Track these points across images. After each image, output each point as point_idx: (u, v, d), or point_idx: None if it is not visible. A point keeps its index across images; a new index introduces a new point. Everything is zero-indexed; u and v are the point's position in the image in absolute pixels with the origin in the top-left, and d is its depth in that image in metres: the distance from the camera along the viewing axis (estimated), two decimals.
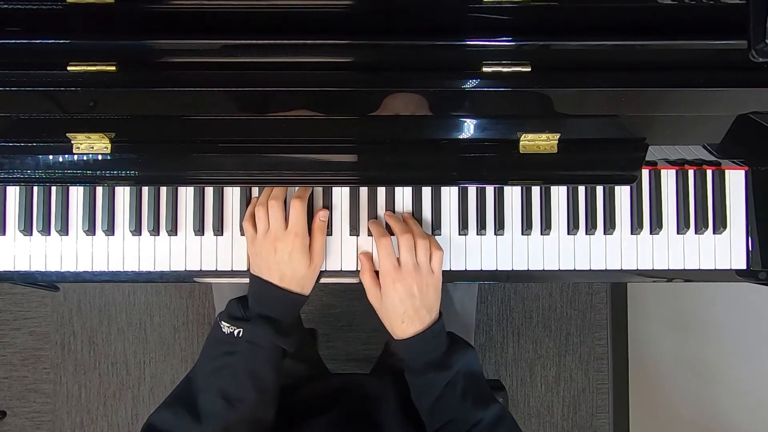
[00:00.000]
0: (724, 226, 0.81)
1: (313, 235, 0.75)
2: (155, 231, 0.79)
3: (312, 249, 0.74)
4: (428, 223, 0.81)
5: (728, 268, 0.81)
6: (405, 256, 0.73)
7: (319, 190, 0.80)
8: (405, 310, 0.72)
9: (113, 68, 0.64)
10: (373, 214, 0.80)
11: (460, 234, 0.80)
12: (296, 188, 0.78)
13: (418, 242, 0.73)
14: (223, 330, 0.70)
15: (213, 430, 0.65)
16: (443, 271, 0.78)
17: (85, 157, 0.72)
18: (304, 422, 0.75)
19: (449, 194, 0.81)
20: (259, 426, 0.69)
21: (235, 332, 0.69)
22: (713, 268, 0.81)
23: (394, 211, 0.80)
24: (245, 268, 0.79)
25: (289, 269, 0.72)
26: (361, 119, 0.71)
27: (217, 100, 0.68)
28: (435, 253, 0.74)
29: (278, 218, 0.73)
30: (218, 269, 0.80)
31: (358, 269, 0.79)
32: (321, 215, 0.77)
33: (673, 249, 0.81)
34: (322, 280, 0.80)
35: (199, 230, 0.79)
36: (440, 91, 0.67)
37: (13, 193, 0.79)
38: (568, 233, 0.81)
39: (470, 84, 0.66)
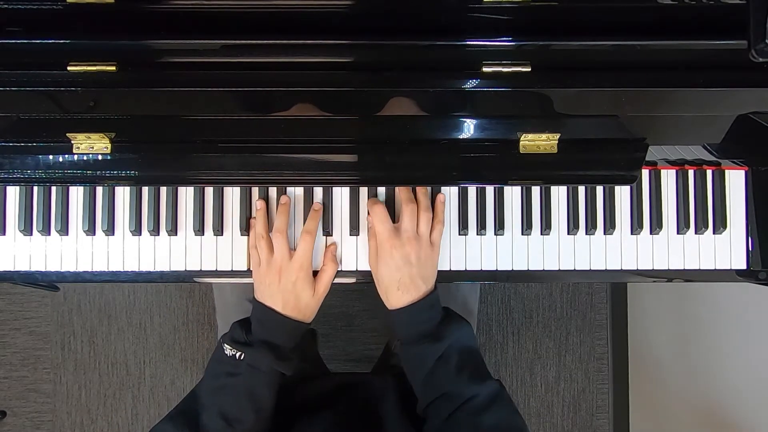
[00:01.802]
0: (724, 226, 0.81)
1: (325, 264, 0.77)
2: (155, 231, 0.79)
3: (320, 279, 0.76)
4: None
5: (728, 268, 0.81)
6: (406, 223, 0.73)
7: (319, 190, 0.80)
8: (401, 277, 0.72)
9: (113, 68, 0.64)
10: None
11: (460, 234, 0.80)
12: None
13: (421, 213, 0.73)
14: (226, 352, 0.71)
15: None
16: (443, 270, 0.78)
17: (85, 157, 0.72)
18: (304, 420, 0.75)
19: (449, 194, 0.80)
20: None
21: (237, 355, 0.70)
22: (713, 268, 0.81)
23: (393, 214, 0.80)
24: (245, 268, 0.79)
25: (293, 298, 0.73)
26: (361, 119, 0.71)
27: (217, 100, 0.68)
28: (436, 226, 0.75)
29: (283, 249, 0.74)
30: (218, 269, 0.80)
31: (357, 269, 0.79)
32: (332, 249, 0.78)
33: (673, 249, 0.81)
34: None
35: (199, 230, 0.79)
36: (440, 91, 0.67)
37: (13, 193, 0.79)
38: (568, 233, 0.81)
39: (470, 84, 0.66)
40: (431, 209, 0.75)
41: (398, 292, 0.72)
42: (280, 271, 0.73)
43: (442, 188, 0.80)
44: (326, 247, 0.79)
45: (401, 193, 0.76)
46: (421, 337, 0.71)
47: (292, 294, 0.73)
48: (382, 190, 0.80)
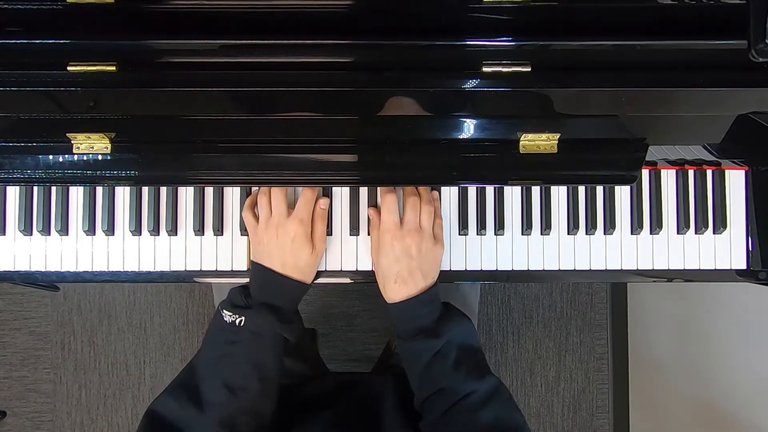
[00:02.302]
0: (724, 226, 0.81)
1: (314, 222, 0.75)
2: (155, 231, 0.79)
3: (313, 236, 0.74)
4: None
5: (728, 268, 0.81)
6: (408, 215, 0.73)
7: (318, 190, 0.80)
8: (399, 269, 0.71)
9: (113, 68, 0.64)
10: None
11: (460, 234, 0.80)
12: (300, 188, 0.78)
13: (423, 207, 0.73)
14: (225, 318, 0.70)
15: (215, 420, 0.65)
16: (443, 271, 0.78)
17: (85, 157, 0.72)
18: (304, 418, 0.75)
19: (449, 194, 0.81)
20: (259, 417, 0.68)
21: (237, 321, 0.69)
22: (713, 268, 0.81)
23: None
24: (245, 268, 0.79)
25: (291, 256, 0.72)
26: (361, 119, 0.71)
27: (217, 100, 0.68)
28: (436, 220, 0.75)
29: (281, 205, 0.73)
30: (218, 269, 0.80)
31: (357, 269, 0.79)
32: (321, 203, 0.77)
33: (673, 249, 0.81)
34: (322, 280, 0.80)
35: (199, 230, 0.79)
36: (440, 91, 0.67)
37: (13, 193, 0.79)
38: (568, 233, 0.81)
39: (470, 84, 0.66)
40: (432, 203, 0.75)
41: (395, 284, 0.71)
42: (278, 227, 0.72)
43: (443, 188, 0.80)
44: (314, 205, 0.76)
45: (404, 187, 0.76)
46: (418, 333, 0.70)
47: (290, 252, 0.72)
48: None
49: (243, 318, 0.69)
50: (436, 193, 0.79)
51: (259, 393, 0.68)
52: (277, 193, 0.73)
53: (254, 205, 0.76)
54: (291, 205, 0.75)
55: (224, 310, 0.70)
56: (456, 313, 0.74)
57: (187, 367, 0.71)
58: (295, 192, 0.79)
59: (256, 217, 0.75)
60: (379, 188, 0.78)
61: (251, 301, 0.71)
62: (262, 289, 0.72)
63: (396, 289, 0.71)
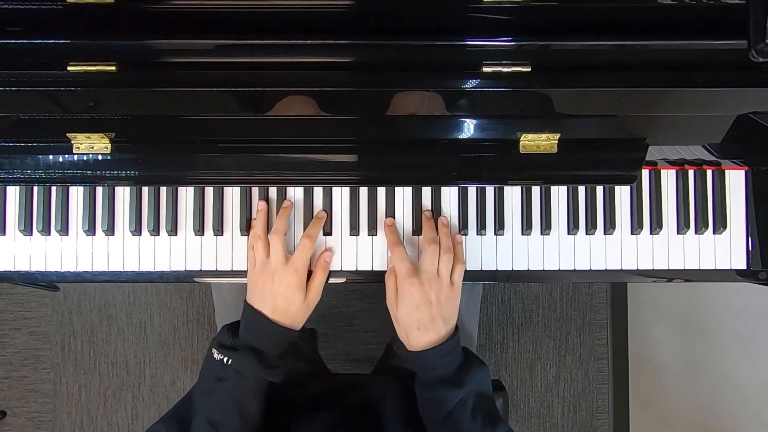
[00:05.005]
0: (724, 226, 0.81)
1: (315, 271, 0.76)
2: (155, 231, 0.79)
3: (310, 285, 0.75)
4: None
5: (728, 268, 0.81)
6: (427, 265, 0.73)
7: (319, 191, 0.80)
8: (421, 317, 0.71)
9: (113, 68, 0.64)
10: (373, 214, 0.80)
11: (460, 234, 0.80)
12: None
13: (442, 256, 0.73)
14: (214, 356, 0.71)
15: None
16: None
17: (85, 157, 0.72)
18: (303, 419, 0.75)
19: (449, 194, 0.80)
20: None
21: (224, 360, 0.70)
22: (713, 268, 0.81)
23: (394, 214, 0.80)
24: (245, 268, 0.79)
25: (283, 302, 0.72)
26: (361, 119, 0.71)
27: (217, 100, 0.68)
28: (457, 267, 0.74)
29: (279, 251, 0.73)
30: (218, 269, 0.80)
31: (357, 269, 0.79)
32: (326, 256, 0.78)
33: (673, 249, 0.81)
34: None
35: (199, 230, 0.79)
36: (440, 91, 0.67)
37: (13, 193, 0.79)
38: (568, 233, 0.81)
39: (470, 84, 0.66)
40: (452, 250, 0.75)
41: (419, 332, 0.71)
42: (274, 274, 0.73)
43: (443, 188, 0.80)
44: (320, 253, 0.78)
45: (425, 233, 0.77)
46: (441, 382, 0.71)
47: (282, 298, 0.72)
48: (382, 194, 0.80)
49: (230, 359, 0.70)
50: (460, 236, 0.79)
51: (239, 428, 0.69)
52: (276, 240, 0.74)
53: None
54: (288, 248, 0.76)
55: (213, 348, 0.72)
56: (476, 360, 0.75)
57: (186, 396, 0.73)
58: (294, 228, 0.79)
59: None
60: (386, 236, 0.78)
61: (238, 342, 0.72)
62: (249, 332, 0.72)
63: (419, 336, 0.71)
